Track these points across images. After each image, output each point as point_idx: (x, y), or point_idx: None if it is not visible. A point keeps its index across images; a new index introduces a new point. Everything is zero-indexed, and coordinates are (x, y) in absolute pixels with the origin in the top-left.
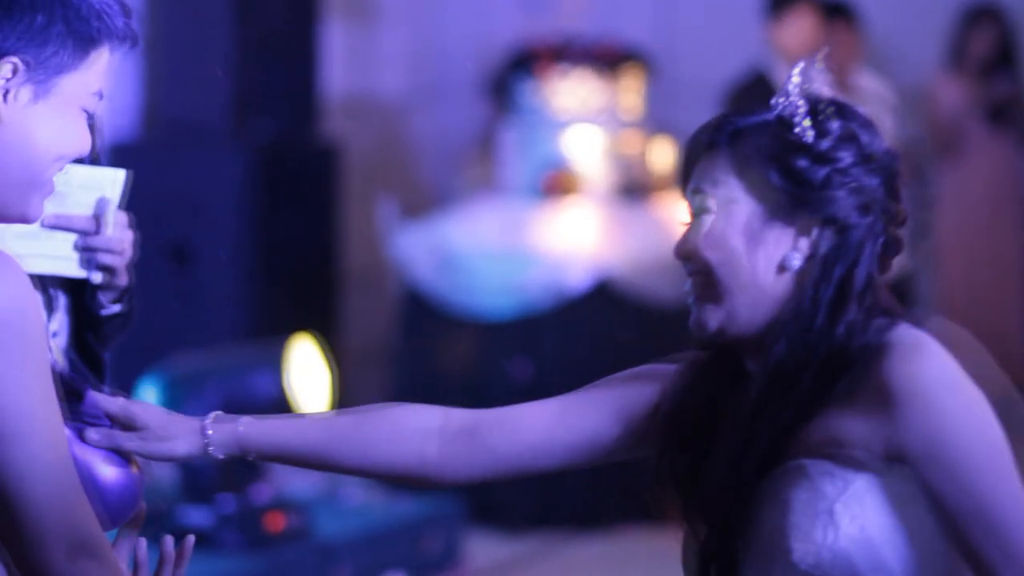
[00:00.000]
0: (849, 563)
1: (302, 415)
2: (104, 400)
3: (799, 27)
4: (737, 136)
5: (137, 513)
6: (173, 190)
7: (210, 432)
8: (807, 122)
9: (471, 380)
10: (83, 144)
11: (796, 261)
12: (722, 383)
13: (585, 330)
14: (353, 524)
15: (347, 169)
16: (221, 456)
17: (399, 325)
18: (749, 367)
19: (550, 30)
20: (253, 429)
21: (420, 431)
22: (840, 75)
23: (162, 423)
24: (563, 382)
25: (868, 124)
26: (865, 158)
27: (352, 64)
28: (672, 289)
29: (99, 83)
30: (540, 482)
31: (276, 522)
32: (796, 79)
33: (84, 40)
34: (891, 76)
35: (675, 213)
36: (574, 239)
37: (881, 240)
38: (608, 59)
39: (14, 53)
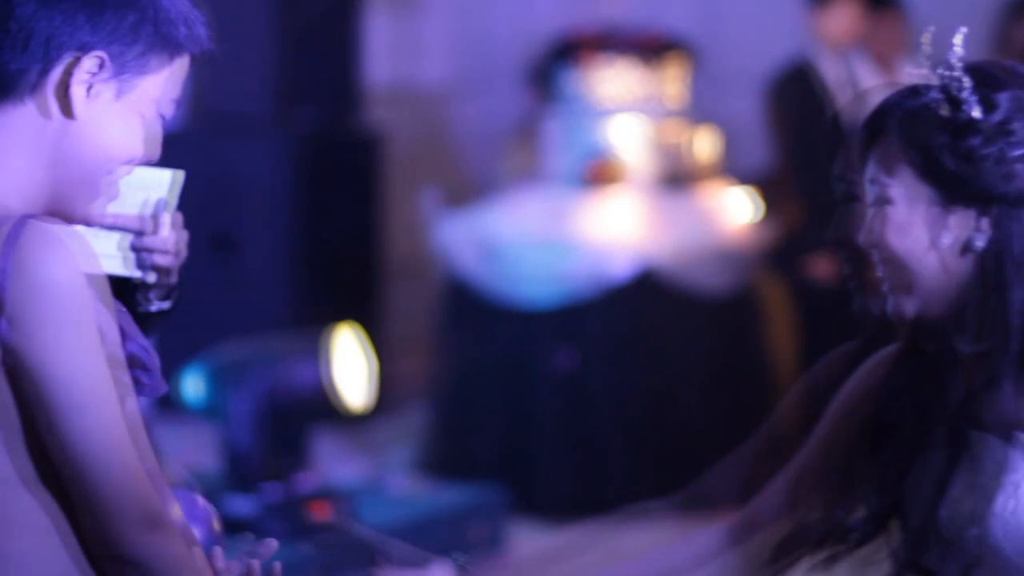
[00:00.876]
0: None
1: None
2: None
3: (843, 16)
4: (906, 121)
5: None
6: (217, 180)
7: None
8: (974, 98)
9: (514, 370)
10: (155, 149)
11: (980, 242)
12: (917, 370)
13: (628, 319)
14: (397, 513)
15: (390, 158)
16: None
17: (442, 314)
18: (927, 347)
19: (593, 19)
20: None
21: (700, 556)
22: (883, 65)
23: None
24: (606, 371)
25: None
26: None
27: (395, 53)
28: (715, 278)
29: (177, 89)
30: (584, 470)
31: (321, 511)
32: (958, 50)
33: (171, 45)
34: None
35: (718, 202)
36: (617, 228)
37: None
38: (651, 48)
39: (102, 49)
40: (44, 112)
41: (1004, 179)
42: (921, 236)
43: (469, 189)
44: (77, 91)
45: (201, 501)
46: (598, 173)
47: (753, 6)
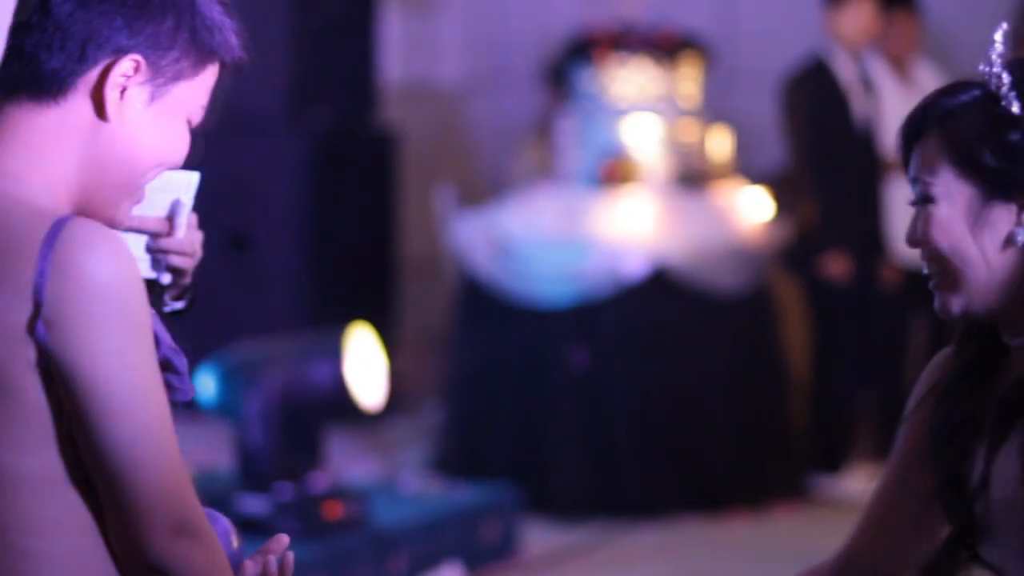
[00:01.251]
0: None
1: None
2: None
3: (858, 15)
4: (946, 119)
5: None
6: (232, 178)
7: None
8: (1013, 93)
9: (528, 369)
10: (183, 154)
11: (1022, 236)
12: (971, 368)
13: (642, 319)
14: (410, 513)
15: (405, 157)
16: None
17: (456, 313)
18: (977, 344)
19: (608, 18)
20: None
21: None
22: (898, 65)
23: None
24: (620, 371)
25: None
26: None
27: (410, 52)
28: (730, 277)
29: (207, 96)
30: (596, 470)
31: (333, 510)
32: (999, 47)
33: (205, 51)
34: (949, 66)
35: (732, 201)
36: (631, 227)
37: None
38: (666, 47)
39: (138, 52)
40: (79, 113)
41: None
42: (963, 233)
43: (484, 188)
44: (111, 94)
45: (222, 518)
46: (613, 172)
47: (768, 5)
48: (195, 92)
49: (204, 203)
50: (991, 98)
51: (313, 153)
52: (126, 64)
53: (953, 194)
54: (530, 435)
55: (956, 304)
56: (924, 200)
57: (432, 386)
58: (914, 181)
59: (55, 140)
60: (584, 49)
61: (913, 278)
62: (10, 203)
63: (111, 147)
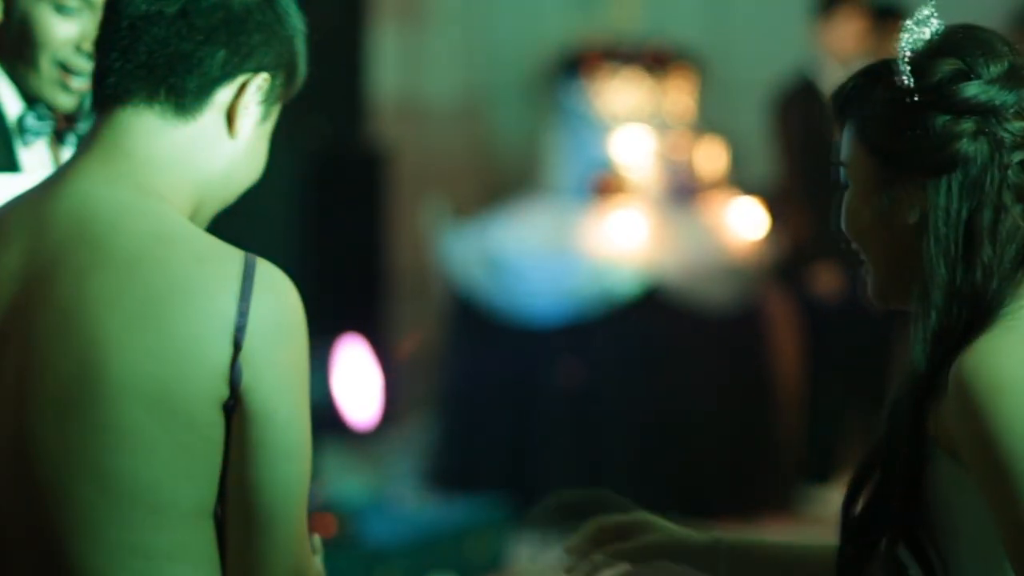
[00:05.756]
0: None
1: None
2: None
3: (848, 28)
4: (853, 100)
5: None
6: None
7: None
8: (906, 66)
9: (519, 384)
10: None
11: (916, 214)
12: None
13: (634, 335)
14: (401, 527)
15: (397, 172)
16: None
17: (447, 329)
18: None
19: (600, 32)
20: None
21: None
22: None
23: None
24: (611, 386)
25: (987, 47)
26: (981, 87)
27: (402, 67)
28: (721, 293)
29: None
30: (589, 485)
31: (325, 526)
32: (911, 23)
33: (295, 79)
34: None
35: (724, 215)
36: (623, 243)
37: (1014, 167)
38: (658, 60)
39: (268, 72)
40: (211, 129)
41: (930, 150)
42: (865, 215)
43: (475, 203)
44: (243, 111)
45: None
46: (604, 186)
47: (759, 18)
48: (276, 115)
49: None
50: (891, 75)
51: (305, 169)
52: (259, 81)
53: (860, 176)
54: (521, 450)
55: (870, 288)
56: (844, 186)
57: (423, 401)
58: (838, 165)
59: (190, 155)
60: (575, 64)
61: None
62: (180, 227)
63: (226, 164)
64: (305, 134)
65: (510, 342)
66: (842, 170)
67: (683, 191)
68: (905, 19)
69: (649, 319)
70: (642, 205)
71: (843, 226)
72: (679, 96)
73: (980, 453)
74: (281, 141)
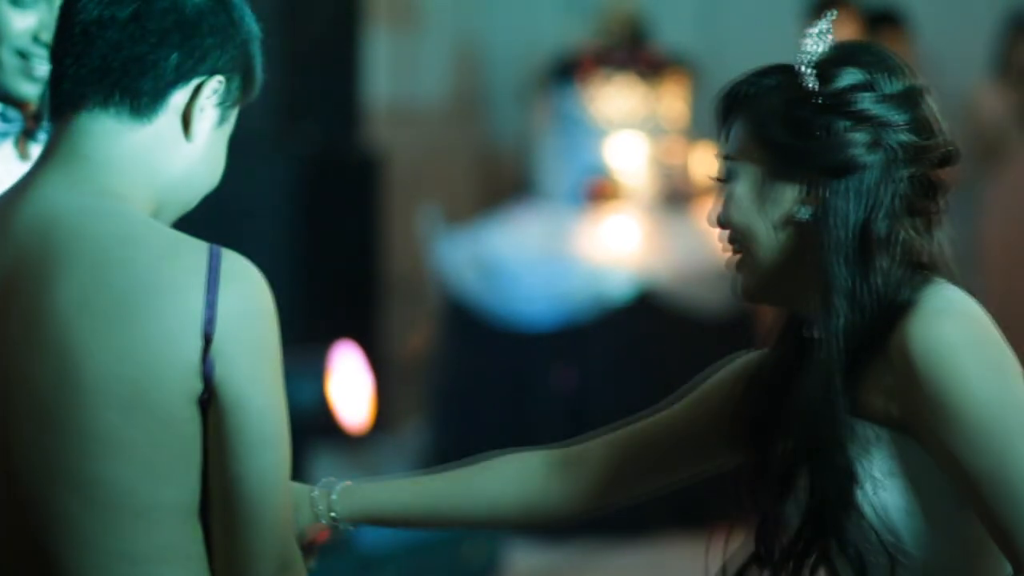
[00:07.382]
0: (880, 523)
1: (395, 480)
2: None
3: (840, 34)
4: (749, 96)
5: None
6: (217, 197)
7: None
8: (811, 70)
9: (513, 389)
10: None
11: (803, 214)
12: (790, 357)
13: (628, 339)
14: (394, 533)
15: (390, 177)
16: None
17: (441, 334)
18: (806, 334)
19: (593, 37)
20: (347, 499)
21: (524, 471)
22: None
23: None
24: (605, 391)
25: (889, 65)
26: (880, 100)
27: (395, 72)
28: (715, 298)
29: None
30: None
31: (318, 532)
32: (814, 31)
33: (253, 83)
34: (938, 83)
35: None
36: (616, 248)
37: (905, 182)
38: (651, 66)
39: (223, 74)
40: (167, 131)
41: (831, 151)
42: (751, 211)
43: (468, 208)
44: (199, 113)
45: None
46: (598, 191)
47: (753, 23)
48: (234, 118)
49: (189, 222)
50: (794, 77)
51: (298, 173)
52: (214, 84)
53: (748, 171)
54: None
55: (743, 284)
56: (726, 178)
57: (416, 407)
58: (723, 158)
59: (148, 157)
60: (569, 69)
61: None
62: (143, 226)
63: (185, 167)
64: (299, 139)
65: (504, 346)
66: (727, 163)
67: (677, 196)
68: (898, 25)
69: (642, 323)
70: (636, 210)
71: (723, 218)
72: (673, 101)
73: (944, 413)
74: (275, 146)
